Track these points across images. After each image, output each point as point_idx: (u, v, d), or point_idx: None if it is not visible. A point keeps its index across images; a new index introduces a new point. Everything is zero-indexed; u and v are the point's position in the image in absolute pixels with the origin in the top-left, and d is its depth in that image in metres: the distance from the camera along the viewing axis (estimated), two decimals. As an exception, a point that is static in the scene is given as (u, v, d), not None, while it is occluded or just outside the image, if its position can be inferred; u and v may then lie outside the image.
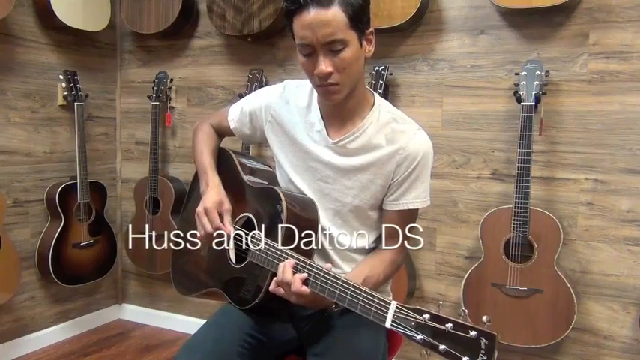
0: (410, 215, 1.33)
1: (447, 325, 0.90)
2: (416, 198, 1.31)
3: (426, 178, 1.33)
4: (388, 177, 1.30)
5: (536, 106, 1.96)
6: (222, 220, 1.33)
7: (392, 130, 1.30)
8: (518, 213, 1.96)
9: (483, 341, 0.86)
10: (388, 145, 1.29)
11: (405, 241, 1.33)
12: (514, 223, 1.97)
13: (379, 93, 2.15)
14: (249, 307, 1.28)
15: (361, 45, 1.20)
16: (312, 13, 1.13)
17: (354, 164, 1.30)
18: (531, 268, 1.97)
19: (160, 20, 2.66)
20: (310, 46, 1.16)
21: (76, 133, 2.61)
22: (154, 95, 2.75)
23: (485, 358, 0.86)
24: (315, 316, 1.35)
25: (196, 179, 1.51)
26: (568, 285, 1.93)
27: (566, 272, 2.04)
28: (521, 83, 1.96)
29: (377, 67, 2.20)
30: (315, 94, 1.34)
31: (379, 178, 1.30)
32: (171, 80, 2.80)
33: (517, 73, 2.01)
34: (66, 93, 2.63)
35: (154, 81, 2.77)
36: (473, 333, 0.87)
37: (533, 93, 1.94)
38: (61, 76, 2.62)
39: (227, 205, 1.36)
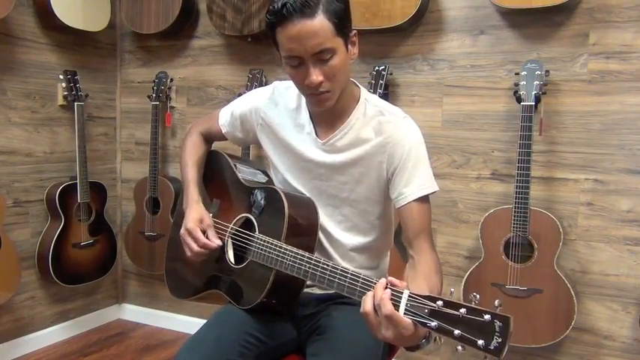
0: (423, 205, 1.29)
1: (460, 310, 0.90)
2: (421, 186, 1.28)
3: (425, 164, 1.30)
4: (381, 169, 1.30)
5: (536, 106, 1.96)
6: (207, 236, 1.33)
7: (379, 122, 1.30)
8: (518, 213, 1.96)
9: (497, 324, 0.86)
10: (377, 137, 1.29)
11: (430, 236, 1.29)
12: (514, 223, 1.97)
13: (379, 93, 2.16)
14: (252, 306, 1.28)
15: (347, 49, 1.20)
16: (298, 25, 1.11)
17: (345, 159, 1.31)
18: (531, 268, 1.97)
19: (160, 20, 2.66)
20: (299, 57, 1.15)
21: (76, 133, 2.61)
22: (154, 95, 2.75)
23: (500, 340, 0.86)
24: (315, 317, 1.35)
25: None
26: (568, 285, 1.93)
27: (566, 272, 2.04)
28: (521, 83, 1.96)
29: (377, 67, 2.20)
30: None
31: (372, 170, 1.30)
32: (171, 80, 2.80)
33: (517, 73, 2.01)
34: (66, 93, 2.62)
35: (154, 81, 2.77)
36: (487, 317, 0.87)
37: (533, 93, 1.94)
38: (61, 76, 2.62)
39: (208, 220, 1.36)
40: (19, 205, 2.54)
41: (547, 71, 2.00)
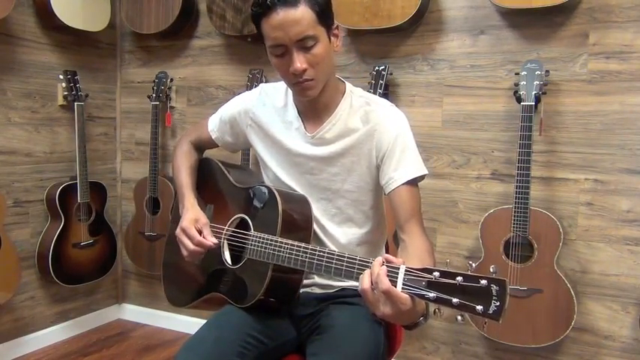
0: (413, 189, 1.29)
1: (457, 279, 0.91)
2: (409, 169, 1.28)
3: (412, 149, 1.31)
4: (370, 157, 1.32)
5: (536, 106, 1.96)
6: (202, 235, 1.33)
7: (365, 111, 1.33)
8: (518, 213, 1.96)
9: (494, 288, 0.87)
10: (364, 126, 1.32)
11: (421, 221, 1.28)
12: (514, 223, 1.97)
13: (379, 93, 2.16)
14: (252, 304, 1.28)
15: (330, 40, 1.25)
16: (281, 14, 1.17)
17: (335, 150, 1.33)
18: (531, 268, 1.97)
19: (160, 20, 2.66)
20: (283, 46, 1.20)
21: (76, 133, 2.61)
22: (154, 95, 2.75)
23: (497, 304, 0.87)
24: (315, 316, 1.35)
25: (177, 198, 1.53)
26: (568, 285, 1.93)
27: (566, 272, 2.04)
28: (521, 83, 1.96)
29: (377, 67, 2.20)
30: (291, 93, 1.37)
31: (362, 158, 1.32)
32: (171, 80, 2.80)
33: (517, 73, 2.01)
34: (66, 93, 2.62)
35: (154, 81, 2.77)
36: (483, 282, 0.88)
37: (533, 93, 1.94)
38: (61, 76, 2.62)
39: (204, 220, 1.37)
40: (19, 205, 2.54)
41: (547, 71, 2.00)
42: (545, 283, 1.95)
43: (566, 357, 2.14)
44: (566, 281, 1.94)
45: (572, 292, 1.93)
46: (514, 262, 1.99)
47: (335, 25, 1.27)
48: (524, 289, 1.97)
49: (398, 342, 1.45)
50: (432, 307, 0.96)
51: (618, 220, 2.03)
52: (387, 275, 0.97)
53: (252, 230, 1.31)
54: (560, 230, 1.96)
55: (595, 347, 2.09)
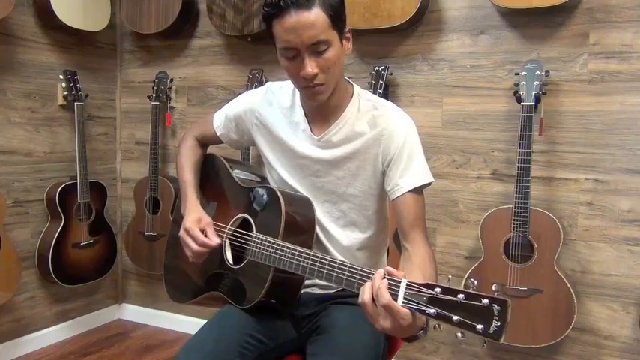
0: (418, 197, 1.28)
1: (458, 296, 0.90)
2: (416, 177, 1.27)
3: (419, 155, 1.30)
4: (376, 161, 1.30)
5: (536, 106, 1.96)
6: (205, 235, 1.32)
7: (373, 116, 1.31)
8: (518, 213, 1.96)
9: (496, 308, 0.87)
10: (372, 130, 1.30)
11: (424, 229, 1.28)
12: (514, 223, 1.97)
13: (379, 93, 2.16)
14: (252, 305, 1.28)
15: (342, 44, 1.22)
16: (294, 16, 1.13)
17: (342, 154, 1.32)
18: (531, 268, 1.97)
19: (160, 20, 2.66)
20: (294, 49, 1.17)
21: (75, 133, 2.61)
22: (154, 95, 2.75)
23: (498, 324, 0.86)
24: (315, 316, 1.35)
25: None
26: (568, 285, 1.93)
27: (566, 272, 2.04)
28: (521, 83, 1.96)
29: (377, 67, 2.20)
30: (298, 93, 1.36)
31: (367, 163, 1.31)
32: (172, 80, 2.80)
33: (517, 73, 2.01)
34: (66, 93, 2.62)
35: (154, 81, 2.77)
36: (485, 301, 0.88)
37: (533, 93, 1.94)
38: (61, 76, 2.62)
39: (207, 219, 1.36)
40: (19, 205, 2.54)
41: (547, 71, 2.00)
42: (545, 283, 1.96)
43: (566, 357, 2.14)
44: (566, 281, 1.94)
45: (572, 292, 1.93)
46: (514, 262, 1.99)
47: (347, 29, 1.24)
48: (524, 289, 1.97)
49: (398, 342, 1.45)
50: (432, 322, 0.95)
51: (618, 220, 2.03)
52: (388, 289, 0.96)
53: (254, 231, 1.31)
54: (560, 230, 1.96)
55: (595, 347, 2.09)
